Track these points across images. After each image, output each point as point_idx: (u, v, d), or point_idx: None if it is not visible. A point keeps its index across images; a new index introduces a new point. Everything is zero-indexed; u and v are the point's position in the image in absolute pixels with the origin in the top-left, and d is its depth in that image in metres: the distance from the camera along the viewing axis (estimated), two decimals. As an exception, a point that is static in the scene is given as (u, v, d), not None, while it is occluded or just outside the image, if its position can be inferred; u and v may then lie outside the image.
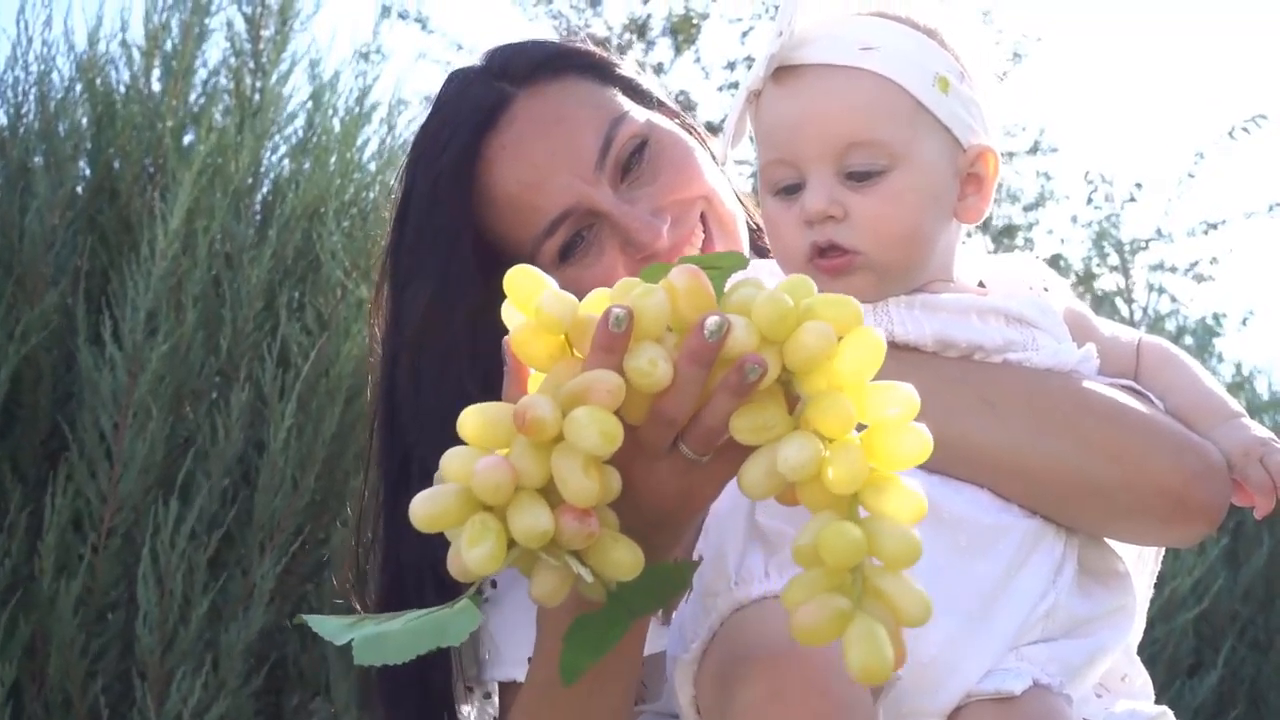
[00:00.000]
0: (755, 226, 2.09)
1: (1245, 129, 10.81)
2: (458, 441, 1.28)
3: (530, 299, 1.28)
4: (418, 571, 1.86)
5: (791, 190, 1.69)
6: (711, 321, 1.23)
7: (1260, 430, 1.73)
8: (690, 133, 2.05)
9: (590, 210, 1.90)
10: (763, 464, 1.27)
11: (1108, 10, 17.43)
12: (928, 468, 1.58)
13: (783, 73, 1.70)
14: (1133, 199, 10.73)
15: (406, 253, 1.94)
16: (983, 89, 1.75)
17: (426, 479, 1.69)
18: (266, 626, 3.59)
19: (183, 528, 3.40)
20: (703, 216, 1.97)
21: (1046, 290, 1.84)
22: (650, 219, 1.90)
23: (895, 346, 1.67)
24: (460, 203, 1.91)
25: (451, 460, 1.26)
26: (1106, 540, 1.73)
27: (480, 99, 1.94)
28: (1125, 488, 1.64)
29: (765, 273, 1.80)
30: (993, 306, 1.72)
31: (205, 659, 3.43)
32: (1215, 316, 7.44)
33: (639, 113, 1.98)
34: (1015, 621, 1.58)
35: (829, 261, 1.68)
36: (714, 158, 2.04)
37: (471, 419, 1.26)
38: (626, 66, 2.05)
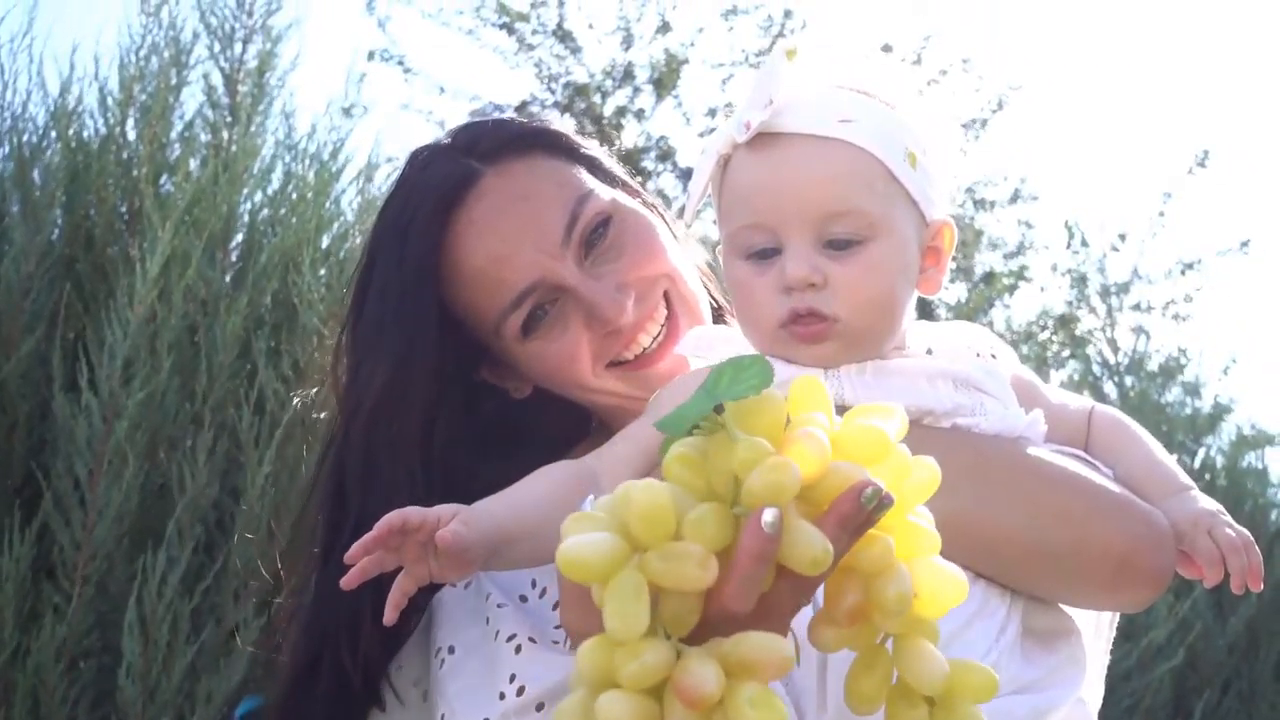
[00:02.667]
0: (717, 305, 2.12)
1: (1202, 164, 10.95)
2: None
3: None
4: (335, 636, 1.88)
5: (766, 255, 1.70)
6: (869, 492, 1.22)
7: (1209, 503, 1.75)
8: (652, 210, 2.07)
9: (555, 285, 1.93)
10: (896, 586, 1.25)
11: (1083, 57, 17.59)
12: None
13: (759, 139, 1.70)
14: (1115, 249, 10.80)
15: (371, 326, 1.95)
16: (941, 164, 1.77)
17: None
18: (242, 675, 3.56)
19: (170, 578, 3.37)
20: (666, 294, 1.99)
21: (994, 357, 1.86)
22: (615, 294, 1.93)
23: (845, 411, 1.70)
24: (426, 279, 1.94)
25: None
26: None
27: (448, 175, 1.97)
28: (1071, 552, 1.65)
29: (720, 339, 1.82)
30: (942, 371, 1.74)
31: (185, 710, 3.40)
32: (1181, 351, 7.49)
33: (604, 191, 2.01)
34: None
35: (806, 328, 1.69)
36: (674, 235, 2.06)
37: (617, 708, 1.16)
38: (591, 146, 2.08)
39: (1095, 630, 1.80)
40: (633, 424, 1.80)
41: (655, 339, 1.98)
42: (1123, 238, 10.82)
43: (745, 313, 1.75)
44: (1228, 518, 1.73)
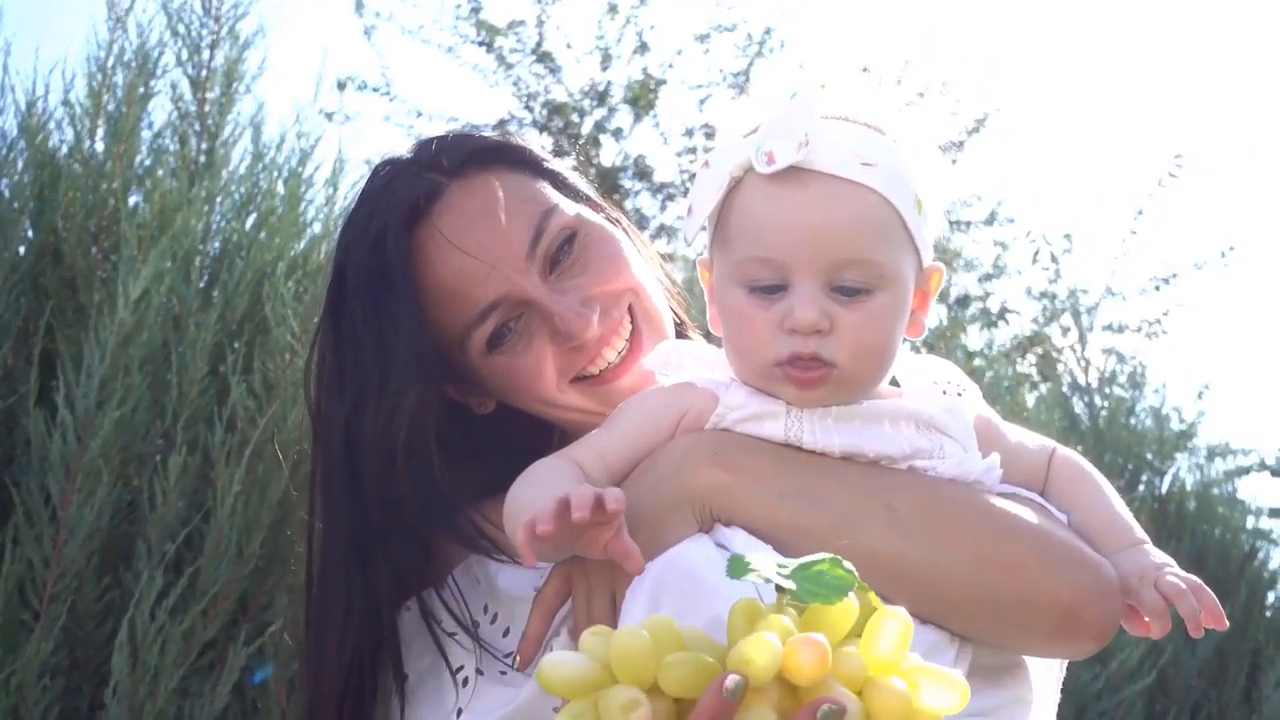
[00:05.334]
0: (679, 320, 2.12)
1: (1171, 174, 10.97)
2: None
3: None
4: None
5: (770, 291, 1.68)
6: (827, 710, 1.21)
7: (1160, 556, 1.75)
8: (617, 226, 2.07)
9: (521, 300, 1.92)
10: None
11: (1058, 76, 17.68)
12: None
13: (781, 171, 1.67)
14: (1068, 251, 10.81)
15: (364, 352, 1.93)
16: (939, 208, 1.77)
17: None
18: (226, 702, 3.54)
19: (165, 601, 3.35)
20: (630, 309, 1.99)
21: (961, 394, 1.85)
22: (580, 309, 1.93)
23: (805, 450, 1.69)
24: (413, 302, 1.93)
25: None
26: None
27: (411, 189, 1.96)
28: (1017, 601, 1.65)
29: (689, 355, 1.81)
30: (907, 412, 1.74)
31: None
32: (1143, 368, 7.54)
33: (569, 205, 2.00)
34: None
35: (805, 373, 1.68)
36: (639, 250, 2.06)
37: None
38: (554, 160, 2.08)
39: (1046, 667, 1.79)
40: (609, 423, 1.79)
41: (620, 353, 1.97)
42: (1068, 237, 10.80)
43: (739, 343, 1.74)
44: (1175, 567, 1.73)
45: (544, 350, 1.95)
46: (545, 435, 2.10)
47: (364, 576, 1.89)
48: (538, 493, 1.62)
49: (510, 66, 11.11)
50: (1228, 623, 1.69)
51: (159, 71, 4.04)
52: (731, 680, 1.20)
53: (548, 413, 2.01)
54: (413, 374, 1.91)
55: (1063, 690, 1.89)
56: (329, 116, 4.45)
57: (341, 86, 10.71)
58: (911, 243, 1.71)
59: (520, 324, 1.94)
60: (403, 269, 1.92)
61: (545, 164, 2.06)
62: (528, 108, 11.18)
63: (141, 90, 3.97)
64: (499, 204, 1.95)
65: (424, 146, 2.04)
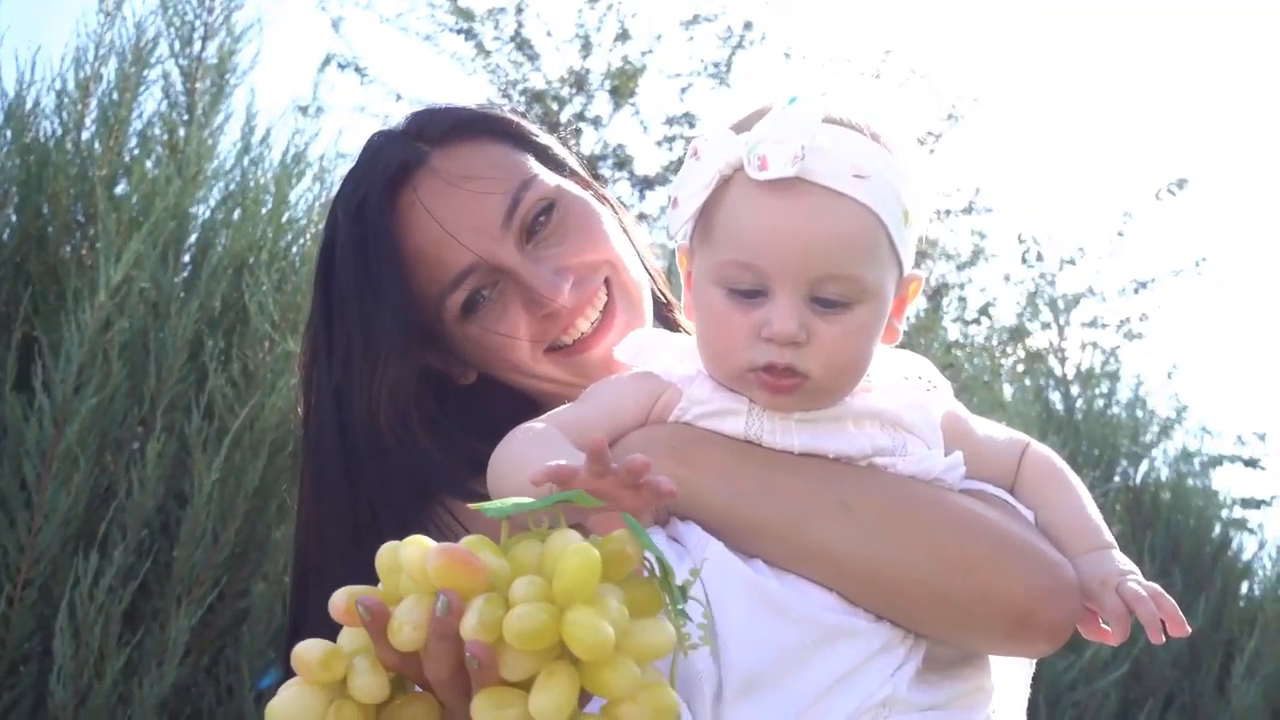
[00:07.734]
0: (663, 300, 2.12)
1: (1171, 191, 11.04)
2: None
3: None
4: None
5: (749, 295, 1.66)
6: (440, 603, 1.29)
7: (1124, 562, 1.73)
8: (602, 202, 2.08)
9: (494, 266, 1.94)
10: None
11: (1041, 70, 17.70)
12: (779, 565, 1.60)
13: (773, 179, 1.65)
14: (1072, 261, 10.88)
15: (350, 320, 1.95)
16: (924, 217, 1.76)
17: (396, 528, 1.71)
18: (182, 680, 3.54)
19: (102, 581, 3.35)
20: (607, 281, 2.00)
21: (931, 389, 1.84)
22: (553, 277, 1.94)
23: (764, 447, 1.70)
24: (396, 268, 1.94)
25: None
26: None
27: (394, 156, 1.99)
28: (973, 601, 1.64)
29: (664, 345, 1.81)
30: (871, 411, 1.73)
31: (119, 714, 3.37)
32: (1114, 354, 7.61)
33: (549, 177, 2.02)
34: (845, 713, 1.58)
35: (777, 380, 1.66)
36: (623, 227, 2.07)
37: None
38: (541, 135, 2.09)
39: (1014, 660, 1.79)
40: (585, 400, 1.79)
41: (593, 324, 1.99)
42: (1080, 250, 10.88)
43: (714, 343, 1.72)
44: (1138, 574, 1.72)
45: (518, 318, 1.96)
46: (528, 409, 2.11)
47: (366, 556, 1.90)
48: (540, 453, 1.61)
49: (489, 54, 11.10)
50: (1189, 628, 1.67)
51: (152, 61, 4.03)
52: (363, 604, 1.33)
53: (523, 382, 2.02)
54: (394, 340, 1.92)
55: (1036, 681, 1.88)
56: (303, 110, 4.44)
57: (325, 63, 10.69)
58: (895, 256, 1.70)
59: (495, 291, 1.96)
60: (385, 235, 1.95)
61: (531, 136, 2.08)
62: (506, 95, 11.17)
63: (133, 79, 3.97)
64: (478, 172, 1.98)
65: (413, 118, 2.08)
